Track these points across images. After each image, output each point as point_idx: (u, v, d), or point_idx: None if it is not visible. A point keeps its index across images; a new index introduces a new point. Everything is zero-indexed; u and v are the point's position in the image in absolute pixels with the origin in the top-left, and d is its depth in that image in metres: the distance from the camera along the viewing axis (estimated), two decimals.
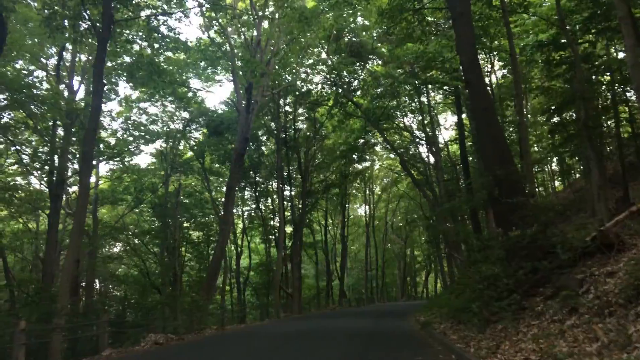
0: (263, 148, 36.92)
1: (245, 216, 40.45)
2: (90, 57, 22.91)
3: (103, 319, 11.42)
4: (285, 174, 34.03)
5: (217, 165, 33.91)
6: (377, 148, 44.30)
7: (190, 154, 33.95)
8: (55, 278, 20.66)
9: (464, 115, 25.06)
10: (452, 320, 11.49)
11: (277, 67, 27.40)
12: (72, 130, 22.34)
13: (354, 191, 47.90)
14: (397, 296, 59.13)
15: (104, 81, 15.41)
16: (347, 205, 45.15)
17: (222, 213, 22.49)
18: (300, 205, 35.38)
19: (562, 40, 16.39)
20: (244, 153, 21.07)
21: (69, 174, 22.44)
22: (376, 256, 52.33)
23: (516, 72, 13.90)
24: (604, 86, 18.98)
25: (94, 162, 29.41)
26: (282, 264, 33.38)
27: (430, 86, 28.01)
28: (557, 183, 35.57)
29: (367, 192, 50.39)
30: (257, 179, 36.49)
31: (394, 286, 62.67)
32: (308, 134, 35.58)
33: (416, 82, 22.05)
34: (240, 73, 21.20)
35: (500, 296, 8.14)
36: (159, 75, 15.93)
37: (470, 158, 25.51)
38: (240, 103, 22.17)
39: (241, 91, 23.35)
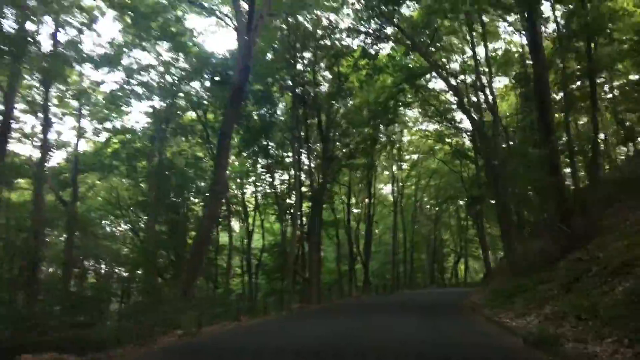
0: (278, 110, 31.34)
1: (258, 191, 35.52)
2: None
3: None
4: (302, 136, 28.57)
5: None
6: (408, 116, 38.93)
7: (192, 114, 28.93)
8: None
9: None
10: (614, 339, 6.06)
11: None
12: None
13: (381, 165, 42.24)
14: (424, 283, 53.42)
15: None
16: (372, 182, 39.40)
17: (214, 170, 17.12)
18: (319, 179, 29.78)
19: None
20: (243, 87, 15.52)
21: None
22: (404, 239, 46.74)
23: None
24: None
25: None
26: (298, 244, 28.14)
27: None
28: None
29: (395, 168, 44.72)
30: (269, 148, 30.94)
31: (419, 272, 56.91)
32: (330, 89, 29.94)
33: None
34: None
35: None
36: None
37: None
38: (240, 20, 16.60)
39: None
